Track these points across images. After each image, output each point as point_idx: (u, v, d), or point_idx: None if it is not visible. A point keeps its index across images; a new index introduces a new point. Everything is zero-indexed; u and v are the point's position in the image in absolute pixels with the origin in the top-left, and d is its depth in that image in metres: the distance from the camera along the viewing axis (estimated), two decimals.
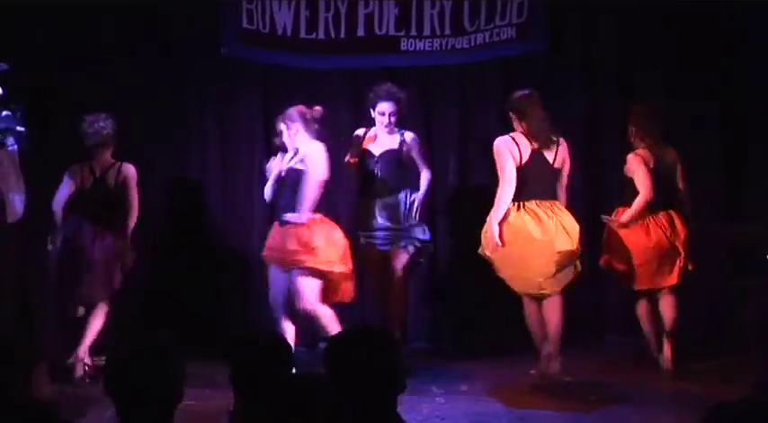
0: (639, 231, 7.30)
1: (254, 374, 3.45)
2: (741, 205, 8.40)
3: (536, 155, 6.97)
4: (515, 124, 7.06)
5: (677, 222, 7.36)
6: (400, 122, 7.47)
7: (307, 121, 7.07)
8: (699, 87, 8.35)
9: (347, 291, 7.07)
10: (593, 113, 8.57)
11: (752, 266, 7.87)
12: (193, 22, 8.39)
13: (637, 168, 7.29)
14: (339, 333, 3.40)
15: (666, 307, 7.32)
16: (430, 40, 8.40)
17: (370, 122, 7.55)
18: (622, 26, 8.48)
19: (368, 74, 8.48)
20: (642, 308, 7.43)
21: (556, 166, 7.01)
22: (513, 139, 6.98)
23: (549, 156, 7.01)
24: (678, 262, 7.30)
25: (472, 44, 8.37)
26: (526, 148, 6.94)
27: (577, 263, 6.92)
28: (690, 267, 7.33)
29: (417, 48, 8.41)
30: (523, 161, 6.92)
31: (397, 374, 3.21)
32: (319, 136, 7.12)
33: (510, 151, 6.89)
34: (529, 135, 6.97)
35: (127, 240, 7.25)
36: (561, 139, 7.06)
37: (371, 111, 7.45)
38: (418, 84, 8.48)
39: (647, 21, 8.38)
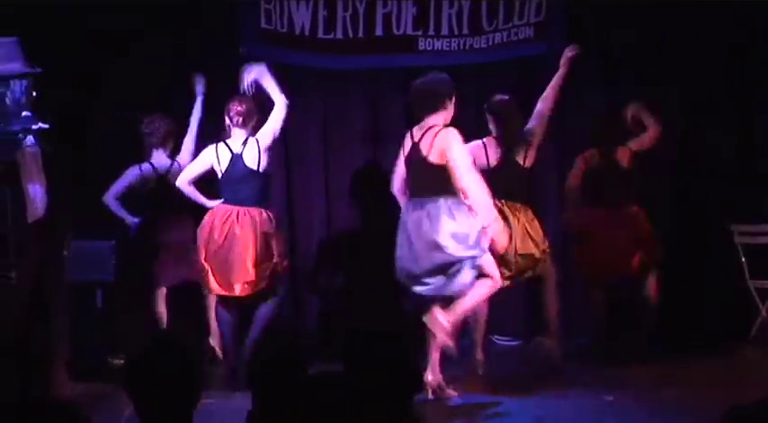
0: None
1: (271, 374, 3.46)
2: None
3: (506, 158, 7.24)
4: (491, 126, 7.36)
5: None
6: None
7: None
8: (717, 86, 8.37)
9: None
10: (612, 113, 8.56)
11: None
12: (209, 21, 8.39)
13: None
14: (357, 333, 3.41)
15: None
16: (448, 39, 8.40)
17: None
18: (641, 25, 8.47)
19: (386, 74, 8.51)
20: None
21: (526, 165, 7.22)
22: (484, 144, 7.30)
23: (520, 158, 7.23)
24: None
25: (490, 44, 8.37)
26: (495, 152, 7.24)
27: (540, 266, 7.16)
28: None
29: (435, 47, 8.41)
30: (491, 165, 7.22)
31: (414, 374, 3.23)
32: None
33: (473, 155, 6.94)
34: (501, 139, 7.28)
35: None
36: (527, 137, 7.26)
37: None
38: None
39: (665, 19, 8.38)
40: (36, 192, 6.08)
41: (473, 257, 6.38)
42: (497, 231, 6.48)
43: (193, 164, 7.47)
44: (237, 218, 7.14)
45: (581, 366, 7.44)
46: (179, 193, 7.41)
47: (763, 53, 8.34)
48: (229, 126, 7.30)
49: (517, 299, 8.25)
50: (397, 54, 8.36)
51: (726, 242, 8.28)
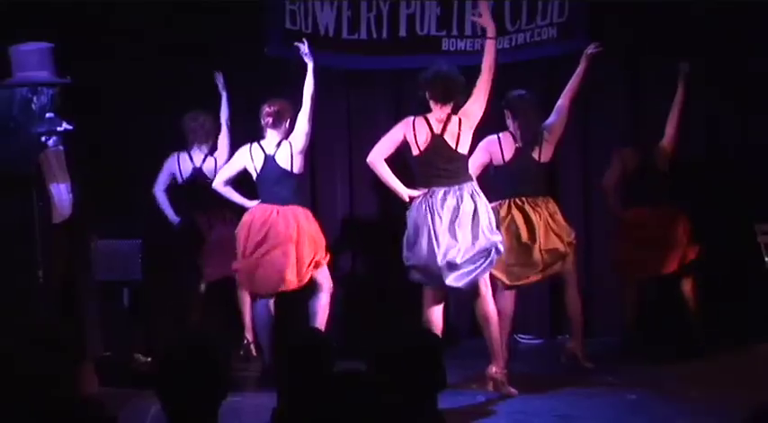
0: None
1: (296, 371, 3.47)
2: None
3: (521, 153, 7.22)
4: (508, 121, 7.35)
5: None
6: None
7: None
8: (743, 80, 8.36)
9: None
10: (636, 111, 8.57)
11: None
12: (235, 23, 8.41)
13: None
14: (383, 334, 3.42)
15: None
16: (471, 40, 8.39)
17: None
18: (665, 24, 8.44)
19: (409, 74, 8.49)
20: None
21: (542, 160, 7.19)
22: (499, 139, 7.29)
23: (535, 153, 7.21)
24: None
25: (513, 44, 8.36)
26: (510, 147, 7.23)
27: (567, 259, 7.17)
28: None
29: (458, 47, 8.42)
30: (506, 159, 7.23)
31: (439, 372, 3.23)
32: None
33: (489, 152, 7.24)
34: (516, 133, 7.26)
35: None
36: (545, 132, 7.25)
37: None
38: None
39: (688, 17, 8.36)
40: (61, 192, 6.10)
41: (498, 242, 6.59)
42: None
43: (228, 165, 7.54)
44: (278, 216, 7.19)
45: (605, 365, 7.41)
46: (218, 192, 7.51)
47: None
48: (264, 127, 7.33)
49: (540, 298, 8.26)
50: (420, 54, 8.33)
51: (750, 241, 8.25)
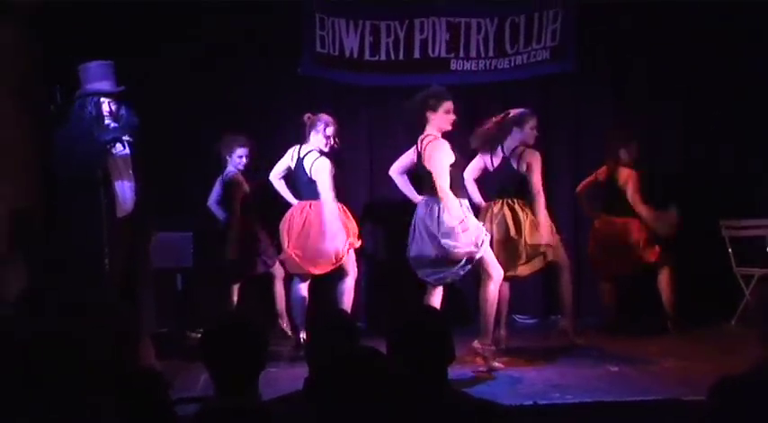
0: None
1: (326, 347, 3.48)
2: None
3: (506, 163, 7.08)
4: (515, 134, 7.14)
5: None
6: None
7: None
8: (714, 101, 8.34)
9: None
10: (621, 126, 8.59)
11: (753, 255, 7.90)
12: (272, 47, 8.40)
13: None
14: (399, 313, 3.42)
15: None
16: (476, 60, 8.40)
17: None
18: (648, 51, 8.45)
19: (422, 90, 8.49)
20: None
21: (519, 171, 7.00)
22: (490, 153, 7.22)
23: (514, 163, 7.03)
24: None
25: (512, 64, 8.38)
26: (498, 158, 7.11)
27: (546, 253, 7.01)
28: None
29: (465, 67, 8.41)
30: (493, 167, 7.14)
31: (447, 346, 3.23)
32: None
33: (483, 159, 7.19)
34: (504, 147, 7.08)
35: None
36: (527, 149, 7.05)
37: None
38: (466, 98, 8.49)
39: (672, 45, 8.37)
40: (125, 191, 6.13)
41: (468, 252, 6.45)
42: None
43: (280, 161, 7.50)
44: (311, 208, 7.18)
45: (591, 341, 7.40)
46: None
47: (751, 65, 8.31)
48: (307, 132, 7.30)
49: (535, 283, 8.24)
50: (432, 73, 8.31)
51: (714, 235, 8.26)
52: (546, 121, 7.72)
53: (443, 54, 8.41)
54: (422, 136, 6.65)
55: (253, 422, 2.98)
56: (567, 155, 8.68)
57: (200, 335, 3.28)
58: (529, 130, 7.10)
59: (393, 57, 8.40)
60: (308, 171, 7.20)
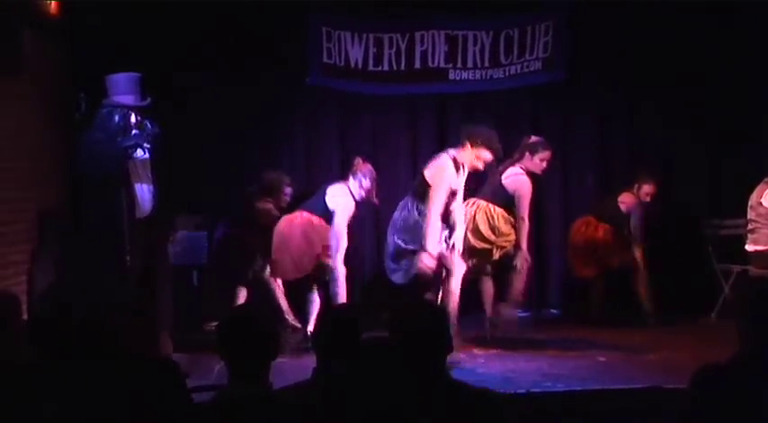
0: None
1: (332, 339, 3.48)
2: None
3: (494, 173, 7.09)
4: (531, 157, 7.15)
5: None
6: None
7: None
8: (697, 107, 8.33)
9: None
10: (606, 135, 8.63)
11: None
12: (281, 59, 8.38)
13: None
14: (399, 306, 3.43)
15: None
16: (472, 70, 8.41)
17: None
18: (633, 65, 8.46)
19: (422, 99, 8.54)
20: None
21: (511, 193, 6.99)
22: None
23: (509, 188, 7.00)
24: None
25: (506, 74, 8.39)
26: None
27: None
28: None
29: (462, 77, 8.42)
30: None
31: (445, 338, 3.23)
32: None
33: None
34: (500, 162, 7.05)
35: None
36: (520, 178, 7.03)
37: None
38: (463, 106, 8.52)
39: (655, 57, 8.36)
40: (144, 193, 6.14)
41: (414, 251, 6.50)
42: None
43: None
44: (299, 219, 7.28)
45: (581, 333, 7.38)
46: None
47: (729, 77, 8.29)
48: (351, 172, 7.34)
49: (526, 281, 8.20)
50: (431, 83, 8.38)
51: (696, 234, 8.26)
52: (537, 129, 7.72)
53: (442, 64, 8.41)
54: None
55: (264, 409, 2.98)
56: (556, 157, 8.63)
57: (214, 327, 3.28)
58: (538, 161, 7.07)
59: (395, 67, 8.41)
60: (328, 201, 7.21)
